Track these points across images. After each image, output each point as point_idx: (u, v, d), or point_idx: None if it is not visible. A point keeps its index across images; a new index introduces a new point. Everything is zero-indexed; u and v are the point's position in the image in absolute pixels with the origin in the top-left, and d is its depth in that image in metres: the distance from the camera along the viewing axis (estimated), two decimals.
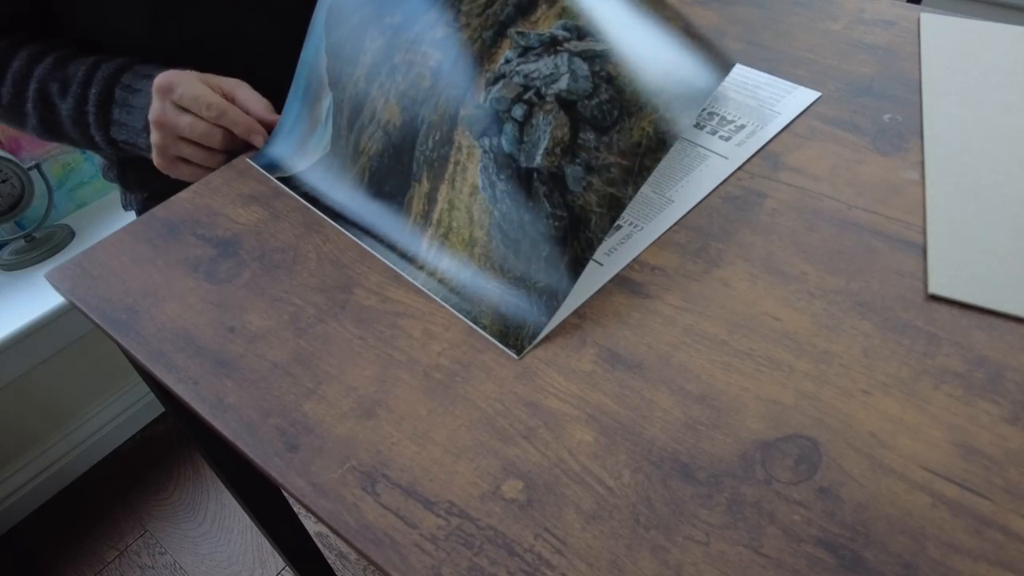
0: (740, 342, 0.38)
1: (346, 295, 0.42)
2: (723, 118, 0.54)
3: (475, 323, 0.40)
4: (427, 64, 0.44)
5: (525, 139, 0.40)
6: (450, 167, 0.42)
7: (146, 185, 0.68)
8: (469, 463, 0.34)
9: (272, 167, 0.52)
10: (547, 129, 0.40)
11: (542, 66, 0.41)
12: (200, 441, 0.62)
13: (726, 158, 0.50)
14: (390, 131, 0.45)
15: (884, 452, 0.33)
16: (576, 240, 0.39)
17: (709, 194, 0.47)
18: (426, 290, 0.42)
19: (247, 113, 0.53)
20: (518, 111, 0.40)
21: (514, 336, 0.39)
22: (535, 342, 0.39)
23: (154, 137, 0.52)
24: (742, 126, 0.53)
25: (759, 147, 0.51)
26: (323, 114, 0.50)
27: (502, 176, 0.40)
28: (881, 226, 0.44)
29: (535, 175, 0.40)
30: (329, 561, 1.05)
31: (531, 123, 0.40)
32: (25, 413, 1.17)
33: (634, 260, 0.43)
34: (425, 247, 0.43)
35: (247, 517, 1.18)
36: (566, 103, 0.40)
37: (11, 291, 1.13)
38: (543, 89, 0.40)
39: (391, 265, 0.44)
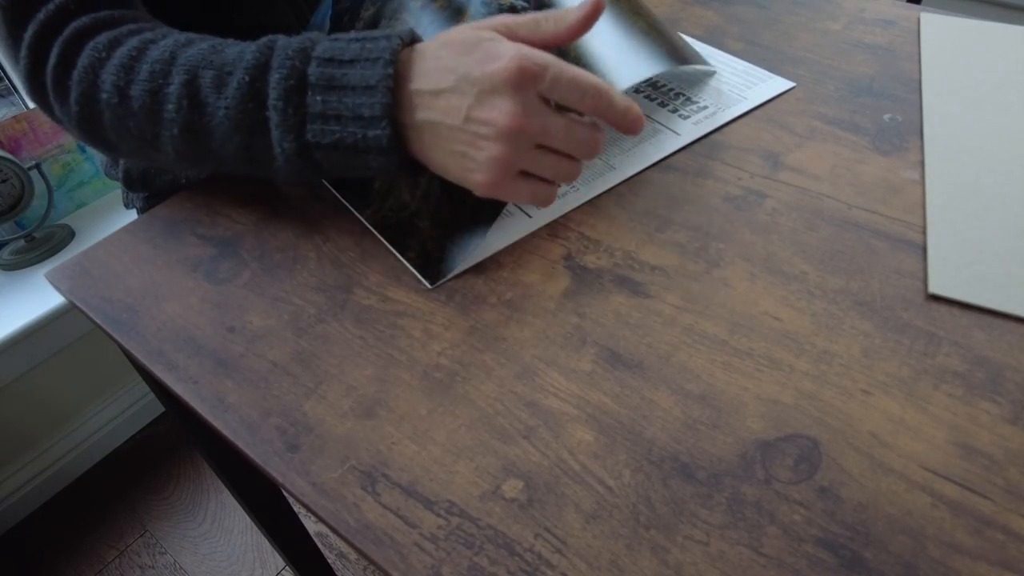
0: (740, 342, 0.38)
1: (346, 295, 0.42)
2: (688, 98, 0.56)
3: (402, 255, 0.44)
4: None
5: None
6: None
7: (149, 183, 0.64)
8: (469, 463, 0.34)
9: None
10: None
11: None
12: (200, 441, 0.62)
13: (678, 135, 0.53)
14: None
15: (884, 452, 0.33)
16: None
17: (650, 166, 0.50)
18: (369, 225, 0.47)
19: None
20: None
21: (433, 269, 0.43)
22: (450, 275, 0.43)
23: (498, 149, 0.36)
24: (704, 107, 0.55)
25: (714, 128, 0.53)
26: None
27: None
28: (881, 226, 0.44)
29: None
30: (329, 561, 1.05)
31: None
32: (25, 413, 1.17)
33: (632, 261, 0.43)
34: (375, 188, 0.47)
35: (247, 517, 1.18)
36: None
37: (11, 291, 1.13)
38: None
39: (344, 202, 0.49)
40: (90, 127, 0.44)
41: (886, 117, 0.53)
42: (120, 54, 0.41)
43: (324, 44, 0.39)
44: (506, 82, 0.35)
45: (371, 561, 0.31)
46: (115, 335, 0.42)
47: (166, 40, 0.42)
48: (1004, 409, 0.34)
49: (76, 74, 0.43)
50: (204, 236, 0.48)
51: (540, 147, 0.38)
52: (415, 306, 0.41)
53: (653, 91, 0.57)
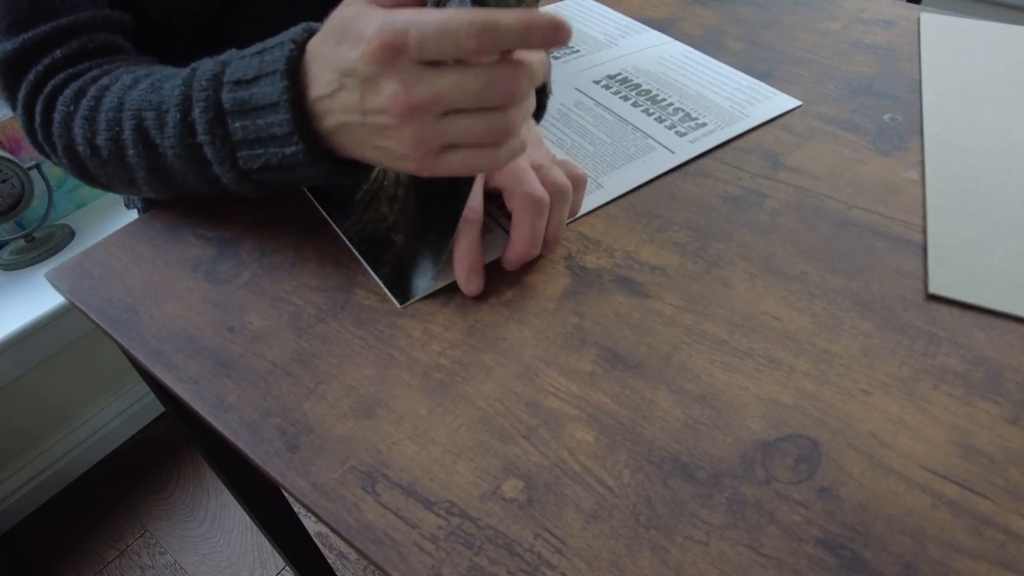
0: (740, 342, 0.38)
1: (346, 295, 0.42)
2: (687, 115, 0.54)
3: (375, 271, 0.43)
4: None
5: None
6: None
7: None
8: (469, 463, 0.34)
9: None
10: None
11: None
12: (200, 441, 0.62)
13: (672, 152, 0.51)
14: None
15: (884, 452, 0.33)
16: (453, 196, 0.39)
17: (640, 185, 0.49)
18: (345, 239, 0.46)
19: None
20: None
21: (404, 288, 0.42)
22: (419, 296, 0.41)
23: (405, 133, 0.33)
24: (703, 124, 0.53)
25: (711, 147, 0.51)
26: None
27: None
28: (881, 226, 0.44)
29: None
30: (329, 561, 1.05)
31: None
32: (25, 413, 1.17)
33: (632, 261, 0.43)
34: (357, 200, 0.46)
35: (247, 517, 1.18)
36: None
37: (11, 291, 1.13)
38: None
39: (325, 215, 0.47)
40: (83, 174, 0.46)
41: (886, 117, 0.53)
42: (83, 106, 0.42)
43: (234, 64, 0.38)
44: (373, 63, 0.32)
45: (371, 561, 0.31)
46: (115, 335, 0.42)
47: (116, 85, 0.42)
48: (1004, 409, 0.34)
49: (55, 129, 0.44)
50: (204, 236, 0.48)
51: (453, 113, 0.33)
52: (415, 306, 0.41)
53: (651, 105, 0.55)
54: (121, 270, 0.46)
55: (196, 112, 0.38)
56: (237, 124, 0.37)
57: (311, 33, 0.37)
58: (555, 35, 0.31)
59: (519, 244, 0.40)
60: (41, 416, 1.19)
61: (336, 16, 0.34)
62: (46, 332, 1.11)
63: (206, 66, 0.39)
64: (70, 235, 1.22)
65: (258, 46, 0.38)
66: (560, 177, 0.41)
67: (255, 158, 0.38)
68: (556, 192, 0.41)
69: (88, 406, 1.26)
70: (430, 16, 0.31)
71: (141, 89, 0.41)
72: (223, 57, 0.39)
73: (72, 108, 0.43)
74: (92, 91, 0.42)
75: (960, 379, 0.35)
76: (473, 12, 0.30)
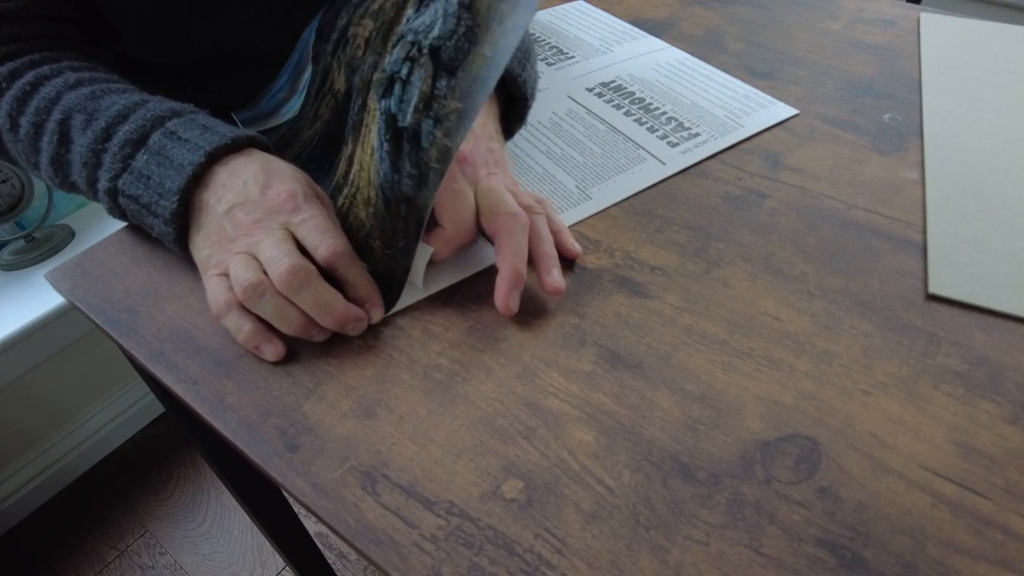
0: (740, 342, 0.38)
1: None
2: (680, 124, 0.53)
3: None
4: (363, 35, 0.46)
5: (405, 97, 0.38)
6: (363, 130, 0.43)
7: None
8: (469, 463, 0.34)
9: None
10: (418, 84, 0.37)
11: (426, 17, 0.38)
12: (200, 441, 0.62)
13: (664, 164, 0.50)
14: (339, 99, 0.48)
15: (884, 452, 0.33)
16: (418, 199, 0.38)
17: (629, 196, 0.48)
18: None
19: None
20: (404, 70, 0.38)
21: (385, 296, 0.41)
22: (398, 308, 0.41)
23: (246, 276, 0.38)
24: (696, 134, 0.52)
25: (704, 157, 0.50)
26: (302, 85, 0.53)
27: (387, 137, 0.39)
28: (881, 226, 0.44)
29: (404, 134, 0.38)
30: (329, 561, 1.05)
31: (410, 80, 0.37)
32: (25, 413, 1.17)
33: (632, 261, 0.43)
34: (338, 205, 0.44)
35: (247, 517, 1.18)
36: (435, 51, 0.36)
37: (11, 291, 1.13)
38: (423, 41, 0.37)
39: None
40: None
41: (886, 117, 0.53)
42: (16, 87, 0.45)
43: (183, 119, 0.43)
44: (275, 202, 0.40)
45: (371, 561, 0.31)
46: (115, 335, 0.42)
47: (57, 79, 0.45)
48: (1004, 409, 0.34)
49: None
50: None
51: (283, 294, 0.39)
52: (414, 306, 0.41)
53: (644, 115, 0.55)
54: (121, 270, 0.46)
55: (124, 128, 0.42)
56: (145, 157, 0.42)
57: (259, 141, 0.43)
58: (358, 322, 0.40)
59: (510, 257, 0.39)
60: (41, 416, 1.19)
61: (286, 179, 0.41)
62: (46, 332, 1.11)
63: (160, 105, 0.43)
64: (70, 235, 1.22)
65: (211, 121, 0.43)
66: (529, 198, 0.43)
67: (134, 185, 0.42)
68: (529, 208, 0.42)
69: (88, 406, 1.26)
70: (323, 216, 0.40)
71: (81, 93, 0.44)
72: (177, 107, 0.44)
73: (5, 85, 0.46)
74: (29, 76, 0.45)
75: (960, 379, 0.35)
76: (305, 277, 0.38)
